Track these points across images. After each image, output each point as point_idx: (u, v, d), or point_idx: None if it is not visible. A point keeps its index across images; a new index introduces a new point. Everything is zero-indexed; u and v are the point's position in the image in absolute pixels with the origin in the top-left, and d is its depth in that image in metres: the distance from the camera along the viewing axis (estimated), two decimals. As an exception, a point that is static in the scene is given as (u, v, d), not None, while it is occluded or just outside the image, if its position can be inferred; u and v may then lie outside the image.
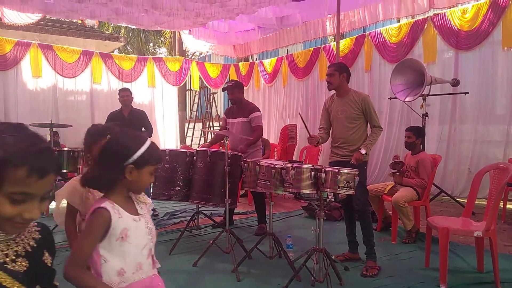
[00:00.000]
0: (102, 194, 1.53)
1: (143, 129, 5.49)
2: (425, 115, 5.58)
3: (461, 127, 6.53)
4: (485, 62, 6.20)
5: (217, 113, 12.76)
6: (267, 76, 10.42)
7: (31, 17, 7.69)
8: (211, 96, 12.38)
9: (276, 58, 10.33)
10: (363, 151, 3.43)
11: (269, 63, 10.41)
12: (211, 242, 3.78)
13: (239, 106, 4.74)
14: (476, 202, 3.68)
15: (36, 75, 8.59)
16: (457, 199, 5.81)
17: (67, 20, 10.22)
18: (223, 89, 4.87)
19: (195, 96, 12.97)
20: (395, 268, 3.50)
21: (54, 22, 10.80)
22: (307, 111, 9.19)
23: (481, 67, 6.24)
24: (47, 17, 9.67)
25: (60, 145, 6.13)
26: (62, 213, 2.22)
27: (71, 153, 4.64)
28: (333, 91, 3.70)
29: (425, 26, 6.86)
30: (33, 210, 0.92)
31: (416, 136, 4.60)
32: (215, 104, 12.66)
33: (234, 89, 4.68)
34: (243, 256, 3.54)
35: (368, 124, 3.62)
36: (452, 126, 6.58)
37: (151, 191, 4.33)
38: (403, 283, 3.17)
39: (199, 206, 4.45)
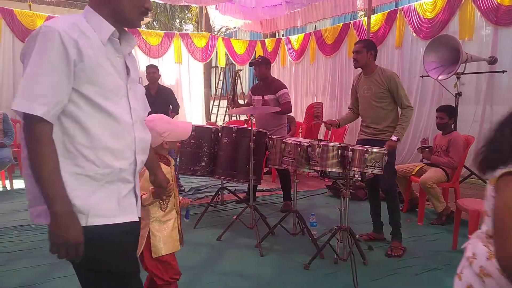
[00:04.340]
0: None
1: (170, 107, 5.54)
2: (458, 94, 5.36)
3: (498, 108, 6.22)
4: (526, 39, 5.84)
5: (242, 90, 12.68)
6: (294, 53, 10.22)
7: (61, -8, 7.76)
8: (237, 74, 12.30)
9: (303, 34, 10.08)
10: (394, 138, 3.31)
11: (296, 39, 10.18)
12: (235, 217, 3.82)
13: (265, 83, 4.69)
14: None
15: (66, 50, 8.72)
16: (489, 182, 5.61)
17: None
18: (250, 64, 4.82)
19: (220, 73, 12.92)
20: (420, 250, 3.45)
21: (83, -3, 10.90)
22: (334, 89, 9.00)
23: (521, 45, 5.89)
24: (76, -8, 9.74)
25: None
26: None
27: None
28: (359, 69, 3.59)
29: (462, 0, 6.49)
30: None
31: (448, 117, 4.44)
32: (240, 82, 12.58)
33: (261, 65, 4.62)
34: (267, 232, 3.57)
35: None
36: (487, 107, 6.29)
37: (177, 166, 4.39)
38: (429, 264, 3.12)
39: (224, 181, 4.49)
